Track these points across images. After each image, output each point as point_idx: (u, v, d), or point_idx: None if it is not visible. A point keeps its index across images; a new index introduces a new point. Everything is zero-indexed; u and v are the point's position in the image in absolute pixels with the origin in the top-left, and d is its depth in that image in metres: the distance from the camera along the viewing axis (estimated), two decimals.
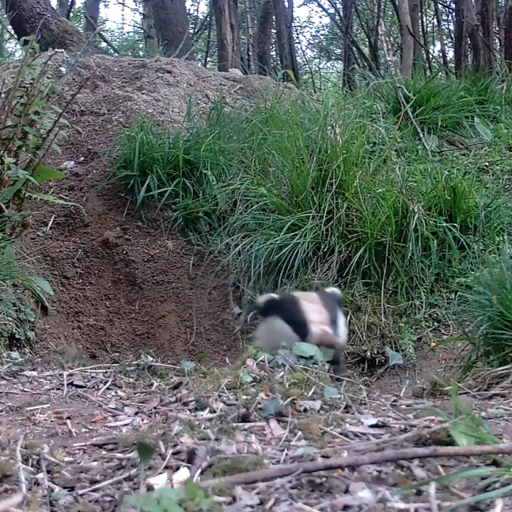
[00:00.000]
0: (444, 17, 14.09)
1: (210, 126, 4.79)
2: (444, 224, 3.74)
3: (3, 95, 3.69)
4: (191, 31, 15.60)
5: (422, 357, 3.45)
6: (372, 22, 14.97)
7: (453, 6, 11.65)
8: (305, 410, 1.78)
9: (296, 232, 3.86)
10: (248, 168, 4.40)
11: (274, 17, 14.15)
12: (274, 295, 2.78)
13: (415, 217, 3.71)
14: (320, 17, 23.78)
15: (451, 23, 13.56)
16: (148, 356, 2.85)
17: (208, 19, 17.37)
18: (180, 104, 5.25)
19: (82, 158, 4.82)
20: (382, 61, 13.71)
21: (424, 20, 13.11)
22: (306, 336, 2.44)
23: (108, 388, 2.35)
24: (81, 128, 5.00)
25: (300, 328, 2.49)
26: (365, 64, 13.84)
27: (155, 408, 1.97)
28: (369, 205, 3.90)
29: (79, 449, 1.64)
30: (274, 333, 2.60)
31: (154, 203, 4.43)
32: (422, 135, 4.98)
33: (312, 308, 2.56)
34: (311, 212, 3.92)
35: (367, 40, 15.26)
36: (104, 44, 14.68)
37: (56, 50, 5.51)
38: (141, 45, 15.97)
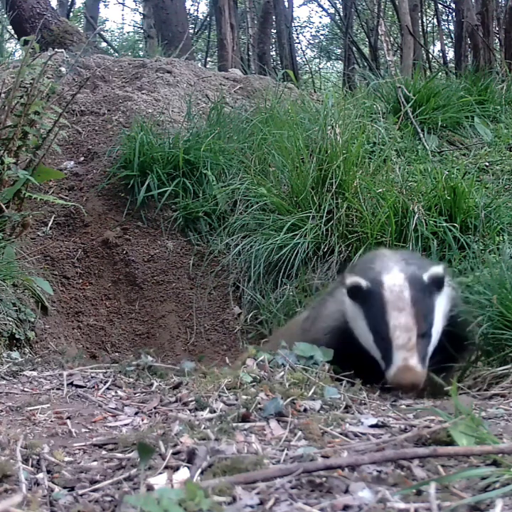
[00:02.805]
0: (444, 17, 14.10)
1: (210, 126, 4.79)
2: (444, 224, 3.74)
3: (3, 95, 3.69)
4: (191, 31, 15.60)
5: None
6: (372, 22, 14.96)
7: (453, 6, 11.65)
8: (305, 410, 1.78)
9: (296, 232, 3.86)
10: (248, 168, 4.40)
11: (274, 17, 14.15)
12: (362, 282, 2.32)
13: (415, 217, 3.70)
14: (320, 17, 23.75)
15: (451, 23, 13.57)
16: (148, 356, 2.84)
17: (208, 19, 17.37)
18: (180, 104, 5.25)
19: (82, 158, 4.82)
20: (382, 61, 13.70)
21: (424, 20, 13.11)
22: (388, 363, 2.16)
23: (108, 388, 2.34)
24: (81, 128, 5.00)
25: (383, 347, 2.19)
26: (365, 64, 13.84)
27: (155, 408, 1.97)
28: (369, 205, 3.90)
29: (79, 449, 1.64)
30: (358, 328, 2.33)
31: (154, 203, 4.43)
32: (422, 135, 4.97)
33: (401, 321, 2.17)
34: (311, 212, 3.92)
35: (367, 40, 15.25)
36: (104, 44, 14.67)
37: (56, 50, 5.51)
38: (141, 45, 15.96)
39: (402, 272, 2.30)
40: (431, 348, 2.22)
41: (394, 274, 2.29)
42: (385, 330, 2.17)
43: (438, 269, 2.34)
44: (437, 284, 2.31)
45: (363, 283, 2.31)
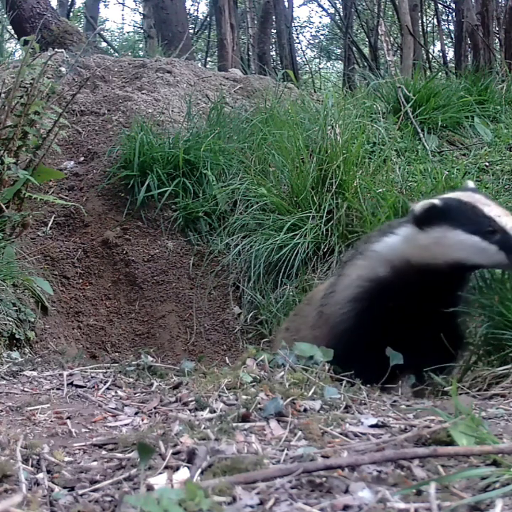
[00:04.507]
0: (444, 17, 14.10)
1: (210, 126, 4.79)
2: None
3: (3, 95, 3.68)
4: (191, 31, 15.60)
5: None
6: (372, 22, 14.97)
7: (453, 6, 11.65)
8: (305, 410, 1.78)
9: (296, 232, 3.86)
10: (248, 168, 4.40)
11: (274, 17, 14.15)
12: (434, 201, 2.29)
13: None
14: (320, 17, 23.79)
15: (451, 23, 13.58)
16: (148, 356, 2.84)
17: (208, 19, 17.38)
18: (180, 104, 5.25)
19: (82, 158, 4.82)
20: (382, 61, 13.71)
21: (424, 20, 13.12)
22: (510, 250, 2.15)
23: (108, 388, 2.34)
24: (81, 128, 5.00)
25: (498, 238, 2.16)
26: (365, 64, 13.84)
27: (155, 408, 1.97)
28: (369, 205, 3.90)
29: (79, 449, 1.64)
30: (447, 247, 2.25)
31: (154, 203, 4.43)
32: (422, 135, 4.97)
33: (499, 211, 2.20)
34: (311, 212, 3.92)
35: (367, 40, 15.26)
36: (104, 44, 14.67)
37: (56, 50, 5.51)
38: (141, 45, 15.96)
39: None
40: None
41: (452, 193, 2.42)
42: (491, 223, 2.17)
43: (471, 182, 2.54)
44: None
45: (436, 201, 2.29)
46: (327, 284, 2.78)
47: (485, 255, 2.22)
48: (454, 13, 11.35)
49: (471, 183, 2.52)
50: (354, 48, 14.53)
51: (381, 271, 2.40)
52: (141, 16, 17.47)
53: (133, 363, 2.75)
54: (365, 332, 2.36)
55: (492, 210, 2.22)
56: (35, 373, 2.57)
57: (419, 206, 2.30)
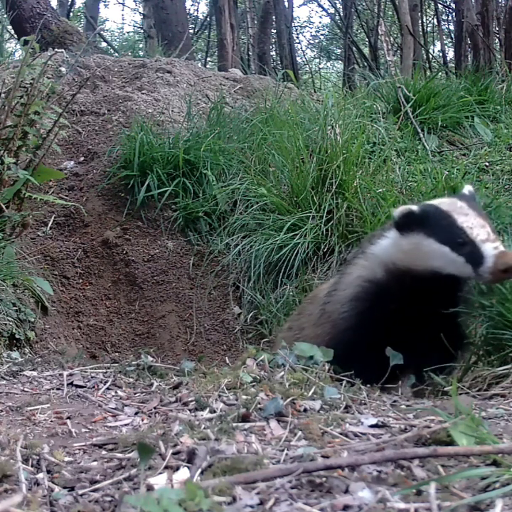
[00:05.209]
0: (444, 17, 14.10)
1: (210, 126, 4.79)
2: None
3: (3, 95, 3.69)
4: (191, 31, 15.60)
5: None
6: (372, 22, 14.96)
7: (453, 6, 11.65)
8: (305, 410, 1.78)
9: (296, 232, 3.86)
10: (248, 168, 4.40)
11: (274, 17, 14.15)
12: (413, 207, 2.30)
13: None
14: (320, 17, 23.78)
15: (451, 23, 13.57)
16: (148, 356, 2.84)
17: (208, 19, 17.37)
18: (180, 104, 5.25)
19: (82, 158, 4.82)
20: (382, 61, 13.71)
21: (424, 20, 13.11)
22: (478, 261, 2.14)
23: (108, 388, 2.34)
24: (81, 128, 5.00)
25: (466, 250, 2.15)
26: (365, 64, 13.84)
27: (155, 408, 1.97)
28: (369, 205, 3.90)
29: (79, 449, 1.64)
30: (422, 254, 2.25)
31: (154, 203, 4.43)
32: (422, 135, 4.97)
33: (473, 222, 2.18)
34: (311, 212, 3.92)
35: (367, 40, 15.25)
36: (104, 44, 14.67)
37: (56, 50, 5.51)
38: (141, 45, 15.96)
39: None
40: None
41: (437, 200, 2.41)
42: (462, 234, 2.17)
43: (469, 186, 2.48)
44: (473, 198, 2.42)
45: (414, 207, 2.29)
46: (331, 282, 2.78)
47: (454, 266, 2.22)
48: (454, 13, 11.35)
49: (468, 188, 2.49)
50: (354, 48, 14.53)
51: (378, 272, 2.41)
52: (141, 16, 17.48)
53: (133, 363, 2.75)
54: (365, 332, 2.36)
55: (467, 220, 2.20)
56: (35, 373, 2.58)
57: (398, 212, 2.31)
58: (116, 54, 9.71)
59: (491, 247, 2.14)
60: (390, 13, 15.14)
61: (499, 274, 2.15)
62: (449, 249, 2.21)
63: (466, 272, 2.20)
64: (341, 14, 15.35)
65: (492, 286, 2.48)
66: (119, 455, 1.53)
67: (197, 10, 18.88)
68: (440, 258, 2.23)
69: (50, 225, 4.36)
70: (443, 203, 2.33)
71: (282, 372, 2.02)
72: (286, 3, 14.77)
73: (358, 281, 2.47)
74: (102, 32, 15.73)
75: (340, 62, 17.44)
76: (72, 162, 4.79)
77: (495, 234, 2.21)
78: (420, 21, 11.43)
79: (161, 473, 1.36)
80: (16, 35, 7.99)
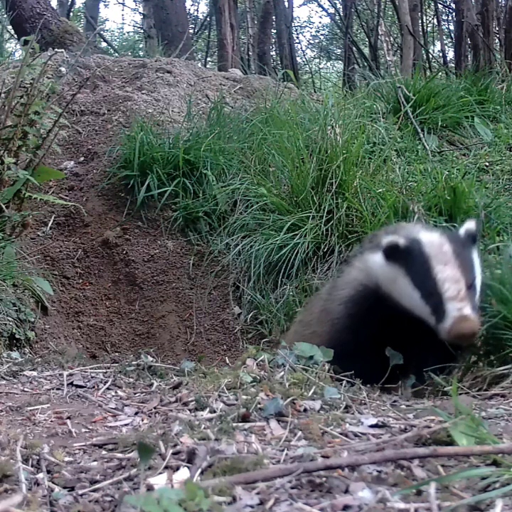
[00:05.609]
0: (444, 17, 14.09)
1: (210, 126, 4.79)
2: (444, 224, 3.74)
3: (3, 95, 3.69)
4: (191, 31, 15.59)
5: None
6: (372, 22, 14.96)
7: (453, 6, 11.64)
8: (305, 410, 1.78)
9: (296, 232, 3.86)
10: (248, 168, 4.40)
11: (274, 17, 14.16)
12: (400, 240, 2.28)
13: (415, 217, 3.70)
14: (320, 17, 23.79)
15: (451, 23, 13.56)
16: (148, 356, 2.85)
17: (208, 19, 17.38)
18: (180, 104, 5.25)
19: (82, 158, 4.82)
20: (382, 61, 13.70)
21: (424, 20, 13.11)
22: (440, 317, 2.12)
23: (108, 388, 2.35)
24: (81, 128, 5.00)
25: (433, 302, 2.15)
26: (365, 64, 13.83)
27: (155, 408, 1.97)
28: (369, 205, 3.90)
29: (79, 449, 1.64)
30: (399, 289, 2.26)
31: (154, 203, 4.43)
32: (422, 135, 4.97)
33: (448, 274, 2.14)
34: (311, 212, 3.92)
35: (367, 40, 15.25)
36: (104, 44, 14.68)
37: (56, 50, 5.51)
38: (141, 45, 15.97)
39: (435, 230, 2.33)
40: (477, 300, 2.21)
41: (429, 232, 2.33)
42: (433, 284, 2.14)
43: (471, 224, 2.38)
44: (472, 238, 2.35)
45: (401, 241, 2.27)
46: (332, 280, 2.79)
47: (421, 312, 2.21)
48: (454, 13, 11.34)
49: (469, 225, 2.39)
50: (354, 48, 14.52)
51: (372, 280, 2.41)
52: (141, 16, 17.47)
53: (133, 363, 2.75)
54: (362, 333, 2.36)
55: (443, 271, 2.16)
56: (35, 373, 2.58)
57: (386, 241, 2.31)
58: (116, 54, 9.73)
59: (454, 308, 2.10)
60: (390, 13, 15.13)
61: (453, 338, 2.14)
62: (420, 296, 2.20)
63: (430, 321, 2.20)
64: (341, 14, 15.34)
65: (492, 286, 2.49)
66: (119, 455, 1.53)
67: (197, 10, 18.91)
68: (411, 300, 2.23)
69: (50, 225, 4.36)
70: (430, 241, 2.26)
71: (282, 372, 2.02)
72: (286, 3, 14.77)
73: (354, 283, 2.48)
74: (102, 32, 15.75)
75: (340, 62, 17.44)
76: (72, 162, 4.78)
77: (470, 289, 2.15)
78: (420, 21, 11.43)
79: (161, 473, 1.36)
80: (16, 35, 8.00)
